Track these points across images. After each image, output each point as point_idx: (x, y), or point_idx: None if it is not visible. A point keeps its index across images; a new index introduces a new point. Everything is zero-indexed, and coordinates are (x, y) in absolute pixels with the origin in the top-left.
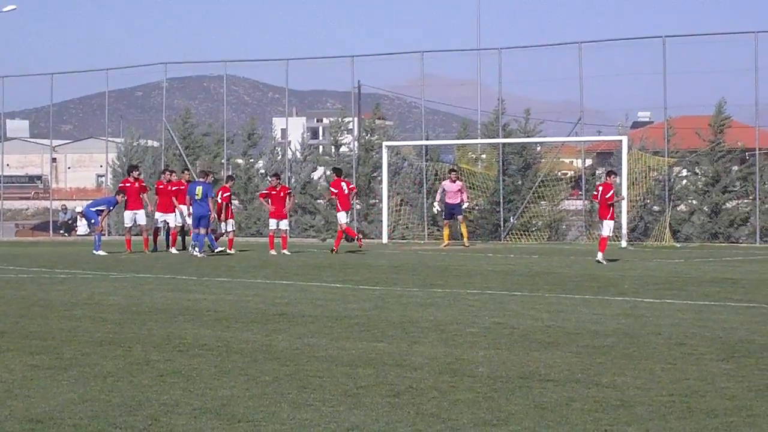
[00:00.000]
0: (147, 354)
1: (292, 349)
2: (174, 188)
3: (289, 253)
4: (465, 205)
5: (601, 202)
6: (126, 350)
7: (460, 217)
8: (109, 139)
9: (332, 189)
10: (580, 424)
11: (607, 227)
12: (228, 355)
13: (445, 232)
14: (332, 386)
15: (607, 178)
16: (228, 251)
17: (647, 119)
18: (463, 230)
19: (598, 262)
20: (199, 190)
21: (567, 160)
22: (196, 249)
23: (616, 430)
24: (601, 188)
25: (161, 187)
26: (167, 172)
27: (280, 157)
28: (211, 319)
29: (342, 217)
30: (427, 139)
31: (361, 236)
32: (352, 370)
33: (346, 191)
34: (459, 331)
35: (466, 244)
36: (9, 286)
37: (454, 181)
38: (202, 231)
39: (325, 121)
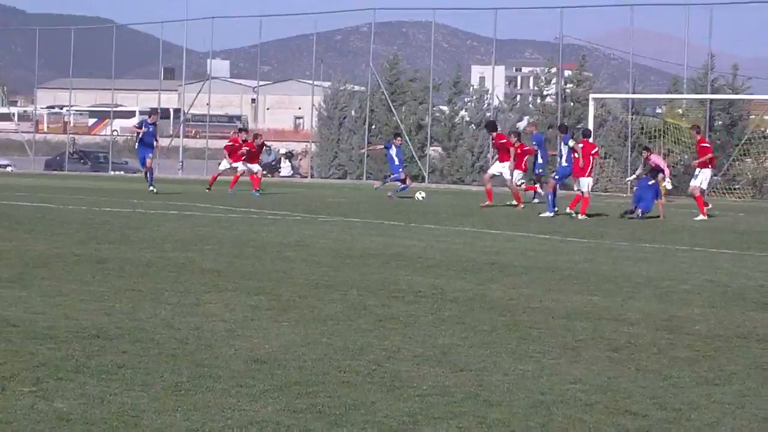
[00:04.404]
0: (363, 299)
1: (507, 300)
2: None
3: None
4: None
5: None
6: (342, 294)
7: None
8: (315, 82)
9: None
10: None
11: None
12: (443, 303)
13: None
14: (551, 338)
15: None
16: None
17: None
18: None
19: None
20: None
21: None
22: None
23: None
24: None
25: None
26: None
27: (485, 106)
28: (423, 266)
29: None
30: (634, 93)
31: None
32: (569, 322)
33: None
34: (672, 288)
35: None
36: (220, 225)
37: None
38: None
39: (525, 70)
